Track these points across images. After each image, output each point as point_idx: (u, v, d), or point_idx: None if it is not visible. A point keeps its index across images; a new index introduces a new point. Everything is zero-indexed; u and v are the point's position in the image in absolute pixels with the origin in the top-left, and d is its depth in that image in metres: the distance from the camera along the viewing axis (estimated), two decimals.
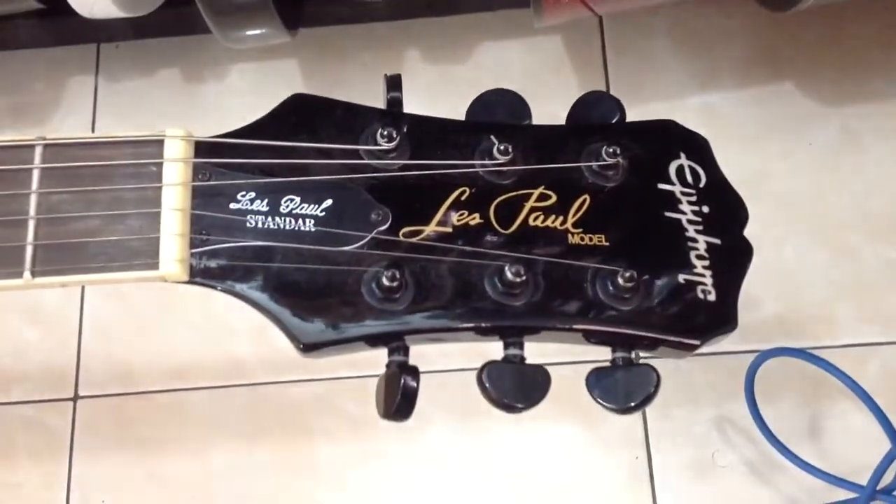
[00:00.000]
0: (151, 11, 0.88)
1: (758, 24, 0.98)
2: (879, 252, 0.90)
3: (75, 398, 0.91)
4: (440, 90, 0.97)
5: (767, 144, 0.95)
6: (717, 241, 0.43)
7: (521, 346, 0.41)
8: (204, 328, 0.93)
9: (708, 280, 0.42)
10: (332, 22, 0.95)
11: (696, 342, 0.41)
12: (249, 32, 0.80)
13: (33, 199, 0.37)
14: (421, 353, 0.89)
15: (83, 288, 0.94)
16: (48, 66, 1.02)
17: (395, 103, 0.43)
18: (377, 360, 0.90)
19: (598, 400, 0.41)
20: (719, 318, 0.42)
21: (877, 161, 0.94)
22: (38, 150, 0.38)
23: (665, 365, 0.91)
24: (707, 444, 0.86)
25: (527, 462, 0.87)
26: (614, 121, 0.44)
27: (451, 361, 0.90)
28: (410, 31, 1.00)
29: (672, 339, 0.41)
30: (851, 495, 0.78)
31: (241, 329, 0.93)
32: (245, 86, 1.01)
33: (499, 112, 0.44)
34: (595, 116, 0.44)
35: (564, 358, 0.86)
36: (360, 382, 0.90)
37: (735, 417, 0.86)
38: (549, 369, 0.89)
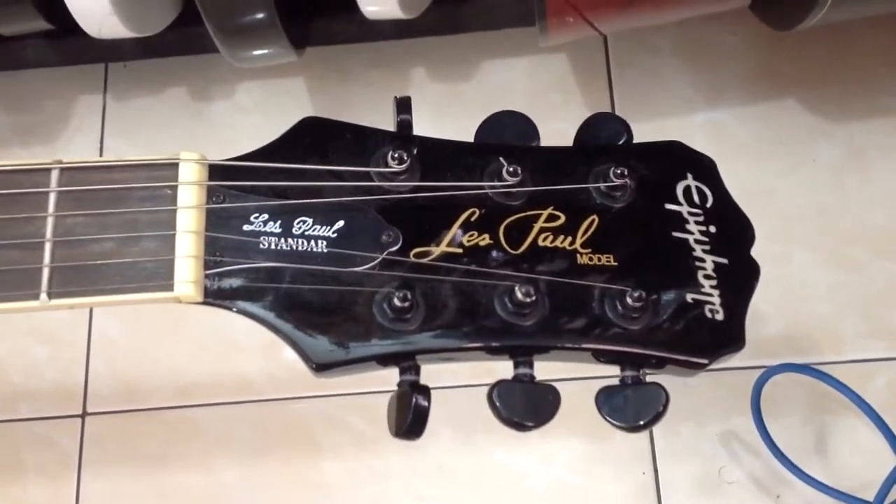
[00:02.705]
0: (159, 31, 0.88)
1: (762, 41, 0.99)
2: (885, 268, 0.91)
3: (83, 415, 0.92)
4: (446, 108, 0.98)
5: (772, 161, 0.96)
6: (724, 260, 0.43)
7: (530, 365, 0.42)
8: (212, 345, 0.93)
9: (716, 299, 0.42)
10: (339, 41, 0.96)
11: (705, 361, 0.42)
12: (257, 52, 0.81)
13: (49, 222, 0.38)
14: (428, 369, 0.89)
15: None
16: (56, 86, 1.02)
17: (405, 126, 0.44)
18: (385, 377, 0.90)
19: (608, 419, 0.42)
20: (727, 337, 0.42)
21: (882, 177, 0.94)
22: (55, 174, 0.38)
23: (672, 381, 0.91)
24: (714, 461, 0.86)
25: (534, 478, 0.88)
26: (621, 142, 0.45)
27: (458, 378, 0.90)
28: (416, 49, 1.00)
29: (680, 358, 0.42)
30: None
31: (248, 346, 0.93)
32: (252, 104, 1.01)
33: (507, 134, 0.44)
34: (602, 138, 0.45)
35: (571, 374, 0.87)
36: (368, 399, 0.91)
37: (741, 433, 0.86)
38: (557, 385, 0.89)
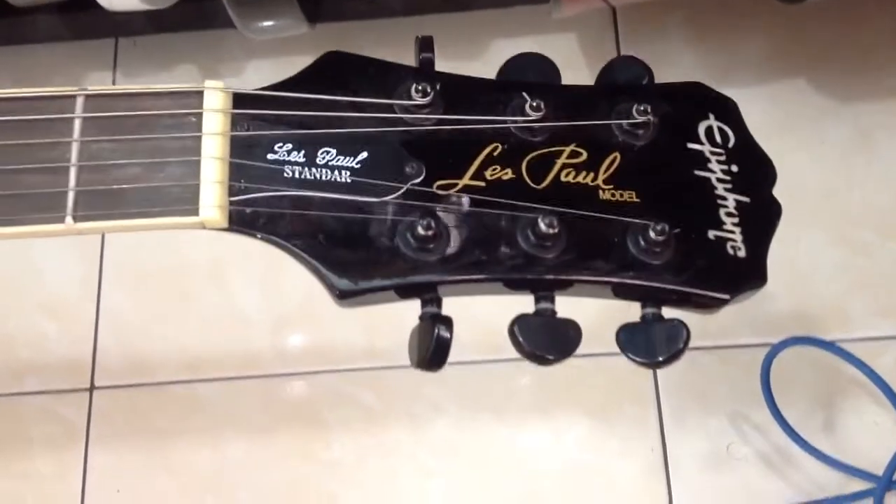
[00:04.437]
0: (171, 6, 0.88)
1: (772, 20, 0.99)
2: (892, 247, 0.91)
3: (91, 388, 0.92)
4: None
5: (781, 141, 0.96)
6: (746, 199, 0.43)
7: (552, 300, 0.42)
8: (219, 320, 0.93)
9: (738, 237, 0.42)
10: (348, 17, 0.96)
11: (727, 296, 0.42)
12: (270, 22, 0.81)
13: (74, 147, 0.38)
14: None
15: (100, 279, 0.95)
16: (66, 61, 1.03)
17: (428, 64, 0.44)
18: (393, 351, 0.91)
19: (628, 354, 0.42)
20: (749, 273, 0.42)
21: (888, 158, 0.94)
22: (80, 101, 0.38)
23: (682, 359, 0.91)
24: (722, 437, 0.86)
25: (541, 454, 0.88)
26: (644, 82, 0.45)
27: (465, 353, 0.90)
28: (425, 26, 1.00)
29: (702, 293, 0.42)
30: (867, 486, 0.78)
31: (256, 321, 0.93)
32: (261, 81, 1.00)
33: (530, 74, 0.44)
34: (625, 79, 0.45)
35: (579, 351, 0.87)
36: (375, 374, 0.91)
37: (750, 411, 0.86)
38: (568, 363, 0.90)
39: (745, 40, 1.00)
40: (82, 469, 0.89)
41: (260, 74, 1.02)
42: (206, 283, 0.95)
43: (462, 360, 0.90)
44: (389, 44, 1.01)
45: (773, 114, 0.97)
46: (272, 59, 1.02)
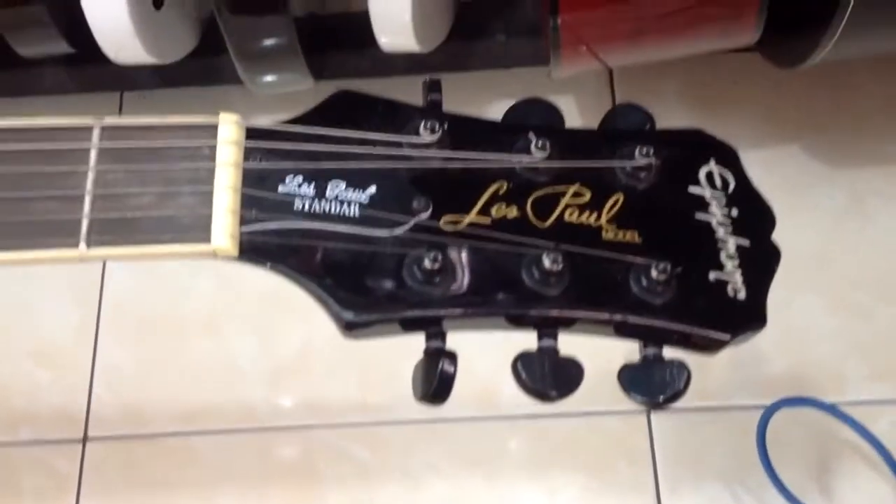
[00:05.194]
0: (177, 61, 0.90)
1: (766, 86, 1.01)
2: (888, 311, 0.92)
3: (84, 439, 0.91)
4: None
5: (775, 206, 0.97)
6: (746, 242, 0.44)
7: (554, 338, 0.42)
8: (215, 372, 0.93)
9: (738, 279, 0.43)
10: (351, 74, 0.98)
11: (727, 337, 0.42)
12: (276, 77, 0.83)
13: (90, 176, 0.39)
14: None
15: (97, 328, 0.95)
16: (71, 113, 1.03)
17: (435, 105, 0.45)
18: (388, 405, 0.90)
19: (629, 393, 0.42)
20: (749, 315, 0.43)
21: (884, 224, 0.95)
22: (96, 131, 0.39)
23: (677, 420, 0.91)
24: (718, 499, 0.86)
25: None
26: (646, 128, 0.46)
27: (460, 410, 0.90)
28: None
29: (703, 333, 0.42)
30: None
31: (251, 373, 0.93)
32: None
33: (534, 117, 0.46)
34: (627, 124, 0.46)
35: (574, 408, 0.87)
36: (371, 430, 0.91)
37: (745, 473, 0.86)
38: (563, 422, 0.89)
39: (739, 105, 1.01)
40: None
41: None
42: (203, 334, 0.95)
43: (456, 416, 0.90)
44: None
45: (767, 179, 0.97)
46: (275, 115, 1.03)
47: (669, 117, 1.01)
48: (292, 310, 0.93)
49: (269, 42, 0.79)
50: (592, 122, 0.99)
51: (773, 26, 0.76)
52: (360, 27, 0.84)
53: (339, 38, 0.95)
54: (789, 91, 1.01)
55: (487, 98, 1.02)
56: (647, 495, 0.86)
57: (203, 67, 0.96)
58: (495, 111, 1.02)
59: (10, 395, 0.93)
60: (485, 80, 1.02)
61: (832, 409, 0.78)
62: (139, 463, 0.90)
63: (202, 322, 0.95)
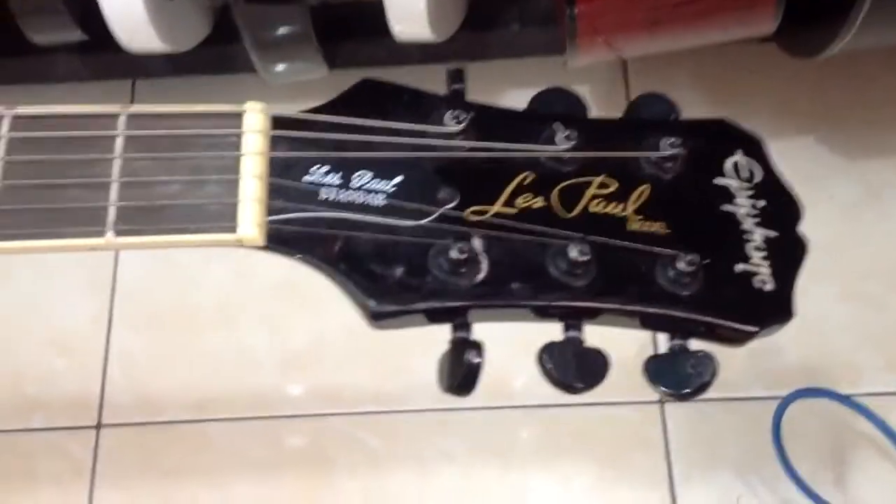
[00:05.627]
0: (189, 49, 0.90)
1: (781, 76, 1.00)
2: None
3: (98, 426, 0.91)
4: None
5: None
6: (773, 233, 0.44)
7: (579, 329, 0.42)
8: (228, 360, 0.93)
9: (765, 270, 0.43)
10: (365, 64, 0.97)
11: (755, 329, 0.42)
12: (291, 65, 0.82)
13: (117, 164, 0.38)
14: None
15: (111, 316, 0.95)
16: (83, 101, 1.03)
17: (459, 94, 0.45)
18: (400, 395, 0.90)
19: (655, 384, 0.42)
20: (777, 307, 0.43)
21: None
22: (122, 119, 0.39)
23: (690, 410, 0.91)
24: (731, 490, 0.86)
25: (552, 502, 0.87)
26: (671, 117, 0.46)
27: (474, 399, 0.90)
28: (439, 75, 1.01)
29: (730, 324, 0.42)
30: None
31: (265, 362, 0.93)
32: None
33: (558, 106, 0.45)
34: (652, 114, 0.46)
35: (589, 400, 0.87)
36: (383, 417, 0.91)
37: (759, 464, 0.86)
38: (576, 411, 0.89)
39: (753, 96, 1.01)
40: None
41: None
42: (216, 322, 0.95)
43: (469, 405, 0.90)
44: None
45: (782, 170, 0.98)
46: (288, 104, 1.02)
47: (684, 107, 1.01)
48: (305, 299, 0.93)
49: (284, 31, 0.79)
50: (607, 111, 0.99)
51: (790, 16, 0.76)
52: (373, 16, 0.83)
53: (353, 27, 0.94)
54: (804, 82, 1.00)
55: (501, 87, 1.02)
56: (660, 485, 0.86)
57: (216, 55, 0.96)
58: (509, 100, 1.01)
59: (26, 383, 0.93)
60: (498, 70, 1.01)
61: (848, 401, 0.78)
62: (153, 450, 0.91)
63: (215, 310, 0.95)
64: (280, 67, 0.83)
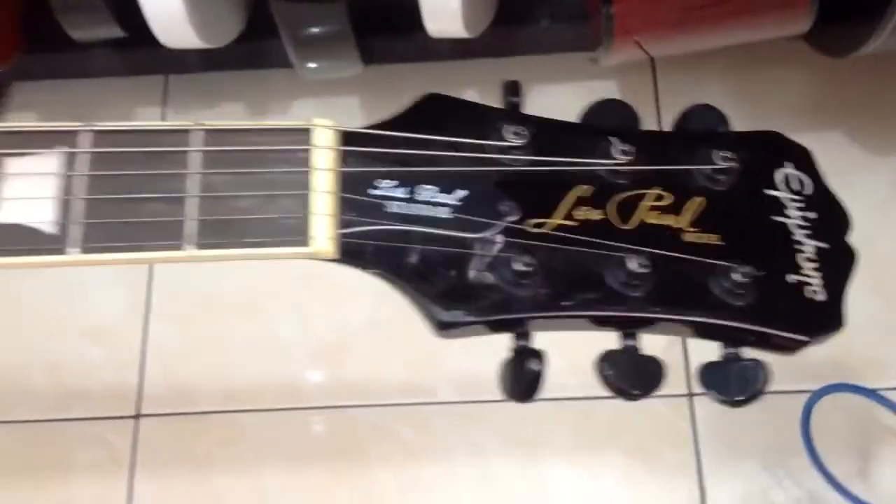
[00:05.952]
0: (224, 45, 0.91)
1: (808, 72, 1.01)
2: None
3: (137, 416, 0.93)
4: None
5: None
6: (825, 245, 0.45)
7: (635, 337, 0.43)
8: (261, 351, 0.95)
9: (817, 281, 0.44)
10: (394, 60, 0.98)
11: (807, 338, 0.43)
12: (328, 62, 0.83)
13: (195, 179, 0.40)
14: (479, 382, 0.90)
15: (147, 307, 0.96)
16: (118, 96, 1.05)
17: (515, 107, 0.46)
18: (433, 387, 0.92)
19: (709, 391, 0.43)
20: (828, 317, 0.44)
21: None
22: (200, 135, 0.40)
23: (719, 404, 0.92)
24: (759, 482, 0.87)
25: (578, 494, 0.88)
26: (721, 130, 0.47)
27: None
28: (468, 71, 1.03)
29: (783, 334, 0.43)
30: None
31: (297, 353, 0.95)
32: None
33: (612, 118, 0.46)
34: (702, 126, 0.47)
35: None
36: (415, 409, 0.92)
37: (786, 457, 0.87)
38: (606, 404, 0.90)
39: (780, 92, 1.02)
40: (126, 496, 0.90)
41: (305, 113, 1.04)
42: (250, 314, 0.96)
43: (500, 397, 0.91)
44: (434, 86, 1.03)
45: None
46: (317, 99, 1.04)
47: (711, 102, 1.01)
48: (337, 292, 0.94)
49: (322, 28, 0.80)
50: (636, 106, 1.00)
51: (823, 14, 0.76)
52: (406, 12, 0.84)
53: (386, 24, 0.95)
54: (831, 78, 1.01)
55: (529, 83, 1.02)
56: (689, 478, 0.88)
57: (249, 51, 0.97)
58: (537, 96, 1.03)
59: (65, 374, 0.95)
60: (528, 65, 1.02)
61: (877, 396, 0.79)
62: (189, 439, 0.92)
63: (250, 303, 0.97)
64: (318, 64, 0.84)
